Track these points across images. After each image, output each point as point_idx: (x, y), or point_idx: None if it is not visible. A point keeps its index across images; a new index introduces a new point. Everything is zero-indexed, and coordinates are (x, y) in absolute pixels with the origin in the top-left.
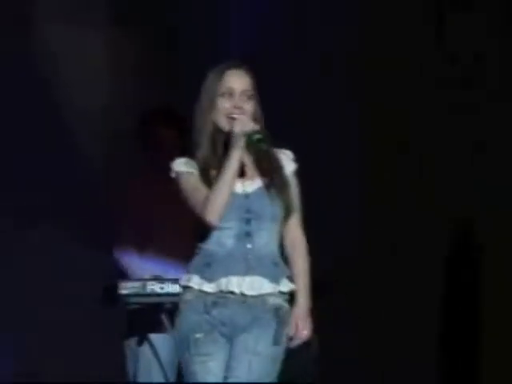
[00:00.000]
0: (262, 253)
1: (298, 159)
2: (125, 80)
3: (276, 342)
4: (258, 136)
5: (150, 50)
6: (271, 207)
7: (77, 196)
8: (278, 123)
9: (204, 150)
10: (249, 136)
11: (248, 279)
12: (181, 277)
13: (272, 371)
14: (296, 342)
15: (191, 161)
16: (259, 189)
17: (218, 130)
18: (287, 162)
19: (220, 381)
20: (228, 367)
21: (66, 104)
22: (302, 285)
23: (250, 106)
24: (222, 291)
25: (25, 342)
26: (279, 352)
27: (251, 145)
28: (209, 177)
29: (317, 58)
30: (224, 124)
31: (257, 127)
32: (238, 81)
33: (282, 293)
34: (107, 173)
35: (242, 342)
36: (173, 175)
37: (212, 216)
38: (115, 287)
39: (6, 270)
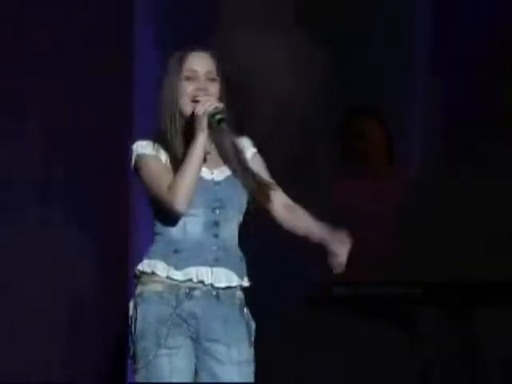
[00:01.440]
0: (228, 244)
1: None
2: (312, 80)
3: (250, 343)
4: (219, 116)
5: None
6: (239, 197)
7: None
8: None
9: (169, 135)
10: (212, 116)
11: (216, 270)
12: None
13: (252, 372)
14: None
15: (154, 144)
16: (228, 177)
17: (182, 115)
18: (247, 146)
19: (185, 379)
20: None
21: (254, 109)
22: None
23: (214, 88)
24: (191, 280)
25: None
26: (252, 352)
27: (213, 126)
28: (177, 162)
29: None
30: (188, 108)
31: (220, 106)
32: (200, 63)
33: (244, 288)
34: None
35: (220, 352)
36: (133, 158)
37: (179, 204)
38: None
39: None
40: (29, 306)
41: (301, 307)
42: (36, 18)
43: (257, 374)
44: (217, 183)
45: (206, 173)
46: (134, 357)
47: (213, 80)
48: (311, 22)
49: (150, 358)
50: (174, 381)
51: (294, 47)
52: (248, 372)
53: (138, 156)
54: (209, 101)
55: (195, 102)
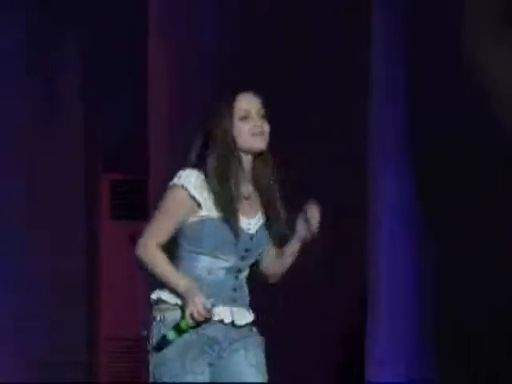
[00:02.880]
0: (243, 284)
1: None
2: None
3: (263, 350)
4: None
5: None
6: (264, 247)
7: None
8: None
9: (224, 172)
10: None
11: (235, 310)
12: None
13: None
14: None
15: (201, 183)
16: (260, 228)
17: (239, 152)
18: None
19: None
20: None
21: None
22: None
23: (266, 126)
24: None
25: None
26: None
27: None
28: (228, 199)
29: None
30: (248, 143)
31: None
32: (251, 102)
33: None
34: None
35: (240, 354)
36: (173, 182)
37: (140, 256)
38: None
39: None
40: None
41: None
42: None
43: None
44: (251, 236)
45: (244, 223)
46: (154, 377)
47: (263, 117)
48: None
49: (176, 382)
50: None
51: None
52: (262, 373)
53: (177, 186)
54: (198, 304)
55: (253, 135)
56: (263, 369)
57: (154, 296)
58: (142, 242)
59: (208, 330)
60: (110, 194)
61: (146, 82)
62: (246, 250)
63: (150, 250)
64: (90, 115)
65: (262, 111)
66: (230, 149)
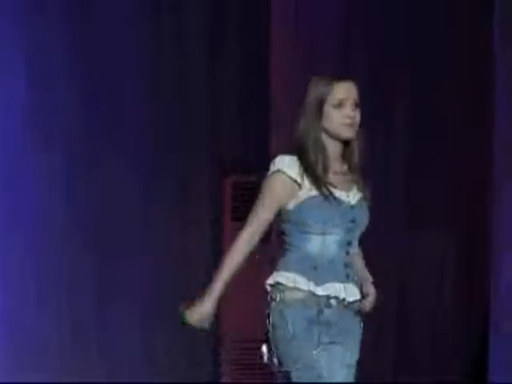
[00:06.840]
0: (352, 261)
1: None
2: None
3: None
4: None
5: None
6: (366, 219)
7: None
8: None
9: (313, 155)
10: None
11: (347, 286)
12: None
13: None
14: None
15: (299, 166)
16: (359, 200)
17: (327, 137)
18: None
19: (343, 367)
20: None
21: None
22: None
23: (359, 116)
24: (329, 296)
25: None
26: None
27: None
28: (315, 178)
29: None
30: (338, 131)
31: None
32: (347, 91)
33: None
34: None
35: (336, 352)
36: (272, 170)
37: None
38: None
39: None
40: None
41: None
42: None
43: None
44: (352, 206)
45: (343, 196)
46: (281, 360)
47: (357, 106)
48: None
49: (314, 353)
50: (332, 372)
51: None
52: (352, 374)
53: (274, 172)
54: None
55: (344, 125)
56: (354, 370)
57: (270, 281)
58: (242, 231)
59: (325, 312)
60: (232, 196)
61: (267, 79)
62: (352, 221)
63: (239, 240)
64: (213, 116)
65: (357, 101)
66: (317, 134)
